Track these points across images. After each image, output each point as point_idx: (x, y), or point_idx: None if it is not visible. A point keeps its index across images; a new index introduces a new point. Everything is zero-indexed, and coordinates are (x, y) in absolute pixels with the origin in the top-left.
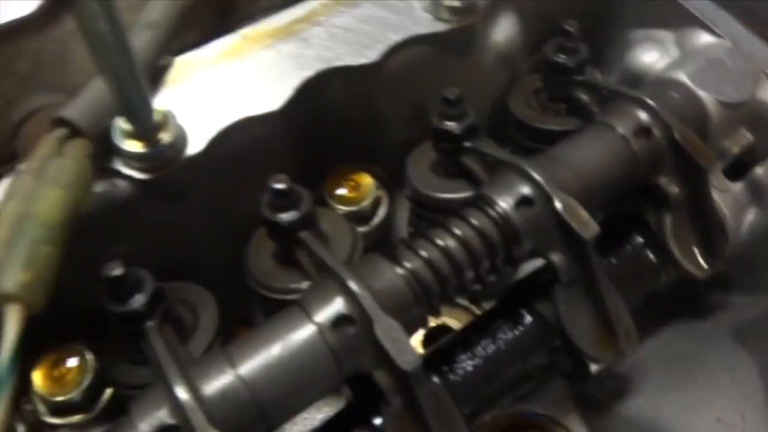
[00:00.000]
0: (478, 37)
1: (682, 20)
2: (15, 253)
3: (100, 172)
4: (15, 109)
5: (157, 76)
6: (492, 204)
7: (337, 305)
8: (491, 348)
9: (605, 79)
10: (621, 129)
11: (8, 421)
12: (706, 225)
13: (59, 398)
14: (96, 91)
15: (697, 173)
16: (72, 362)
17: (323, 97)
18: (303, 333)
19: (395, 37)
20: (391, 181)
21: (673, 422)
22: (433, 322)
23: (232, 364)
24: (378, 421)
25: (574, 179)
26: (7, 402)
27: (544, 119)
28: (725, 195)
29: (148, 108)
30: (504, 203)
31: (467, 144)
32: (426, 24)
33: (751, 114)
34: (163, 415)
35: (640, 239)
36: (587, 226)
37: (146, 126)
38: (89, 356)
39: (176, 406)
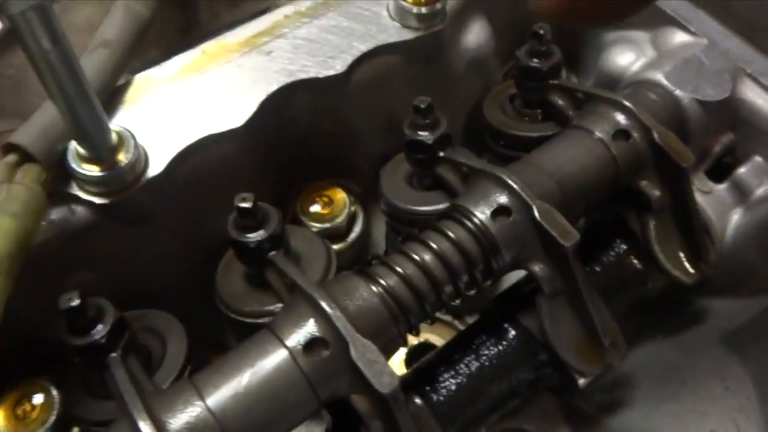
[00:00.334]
0: (448, 44)
1: (656, 20)
2: None
3: (56, 197)
4: None
5: (114, 95)
6: (468, 215)
7: (309, 327)
8: (474, 365)
9: (580, 83)
10: (599, 132)
11: None
12: (691, 228)
13: None
14: (48, 113)
15: (678, 175)
16: (37, 399)
17: (290, 112)
18: (274, 359)
19: (362, 47)
20: (367, 196)
21: None
22: (415, 340)
23: (200, 394)
24: None
25: (552, 186)
26: None
27: (520, 126)
28: (709, 197)
29: (103, 129)
30: (481, 214)
31: (441, 154)
32: (393, 32)
33: (731, 112)
34: None
35: (623, 246)
36: (567, 233)
37: (102, 148)
38: (54, 392)
39: None
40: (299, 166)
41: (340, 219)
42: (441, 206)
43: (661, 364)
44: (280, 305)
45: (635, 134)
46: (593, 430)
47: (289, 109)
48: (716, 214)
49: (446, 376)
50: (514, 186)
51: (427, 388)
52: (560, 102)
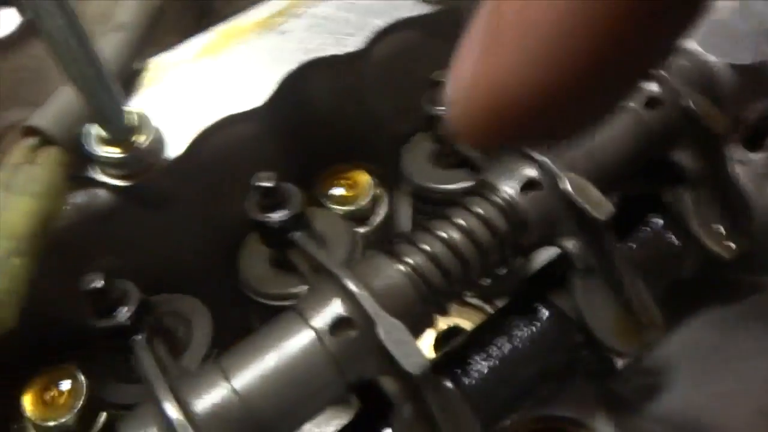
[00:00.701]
0: (467, 18)
1: None
2: None
3: (78, 181)
4: None
5: (131, 78)
6: (495, 190)
7: (335, 308)
8: (507, 347)
9: None
10: (630, 101)
11: None
12: (728, 201)
13: (51, 423)
14: (65, 96)
15: (713, 144)
16: (64, 385)
17: (309, 91)
18: (300, 340)
19: (379, 23)
20: (390, 177)
21: (709, 418)
22: (444, 324)
23: (226, 377)
24: (388, 431)
25: (582, 157)
26: None
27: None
28: (746, 167)
29: (119, 111)
30: (509, 188)
31: None
32: (411, 7)
33: (766, 77)
34: None
35: (659, 221)
36: (601, 206)
37: (119, 129)
38: (81, 377)
39: (166, 425)
40: (320, 148)
41: (365, 201)
42: (467, 184)
43: (701, 345)
44: (304, 287)
45: (667, 101)
46: (631, 416)
47: (308, 88)
48: (754, 185)
49: (477, 358)
50: (542, 158)
51: (458, 371)
52: None
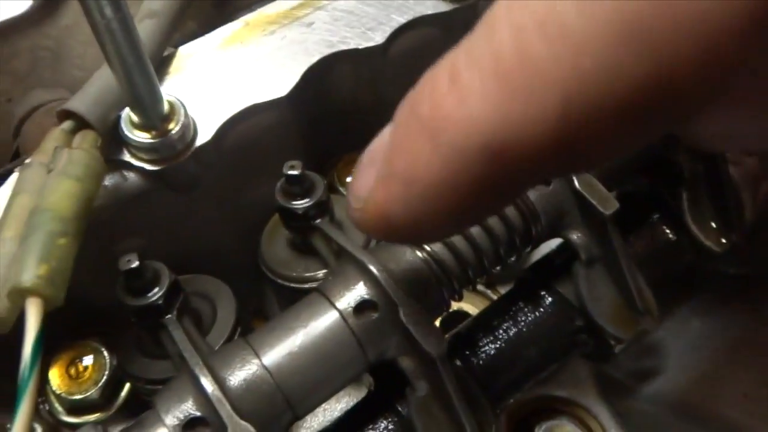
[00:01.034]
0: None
1: None
2: (31, 248)
3: (109, 164)
4: (16, 107)
5: (160, 66)
6: None
7: (359, 290)
8: (513, 330)
9: None
10: None
11: (31, 420)
12: (723, 199)
13: (77, 397)
14: (101, 82)
15: None
16: (88, 360)
17: (330, 82)
18: (326, 320)
19: (400, 19)
20: None
21: (698, 400)
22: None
23: (256, 353)
24: (402, 407)
25: None
26: (32, 398)
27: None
28: (739, 167)
29: (157, 98)
30: None
31: None
32: (430, 4)
33: None
34: (189, 408)
35: (657, 216)
36: (607, 201)
37: (155, 116)
38: (105, 353)
39: (202, 398)
40: (338, 137)
41: None
42: None
43: (690, 333)
44: (323, 271)
45: None
46: (625, 397)
47: (329, 79)
48: (746, 184)
49: (485, 341)
50: None
51: (467, 352)
52: None
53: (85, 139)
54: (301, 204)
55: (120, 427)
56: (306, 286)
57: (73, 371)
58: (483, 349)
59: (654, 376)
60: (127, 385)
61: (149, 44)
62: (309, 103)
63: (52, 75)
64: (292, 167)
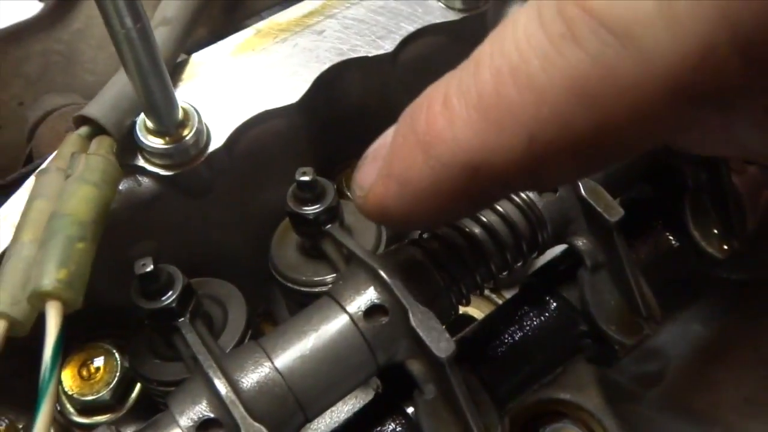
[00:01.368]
0: (491, 24)
1: None
2: (51, 252)
3: (123, 169)
4: (30, 111)
5: (174, 72)
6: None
7: (369, 295)
8: (518, 335)
9: None
10: None
11: (51, 421)
12: (725, 206)
13: (89, 397)
14: (117, 88)
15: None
16: (100, 361)
17: (340, 89)
18: (337, 323)
19: (409, 27)
20: None
21: (700, 404)
22: None
23: (268, 356)
24: (410, 409)
25: None
26: (52, 400)
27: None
28: (742, 176)
29: (173, 105)
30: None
31: None
32: (439, 13)
33: None
34: (203, 409)
35: (660, 222)
36: (612, 209)
37: (170, 122)
38: (117, 354)
39: (215, 399)
40: (346, 142)
41: None
42: None
43: (691, 337)
44: (332, 275)
45: None
46: (627, 401)
47: (339, 87)
48: (749, 193)
49: (491, 345)
50: None
51: (473, 355)
52: None
53: (102, 145)
54: (312, 210)
55: (131, 428)
56: (315, 290)
57: (84, 372)
58: (489, 353)
59: (656, 380)
60: (138, 386)
61: (164, 51)
62: (319, 109)
63: (63, 79)
64: (304, 173)
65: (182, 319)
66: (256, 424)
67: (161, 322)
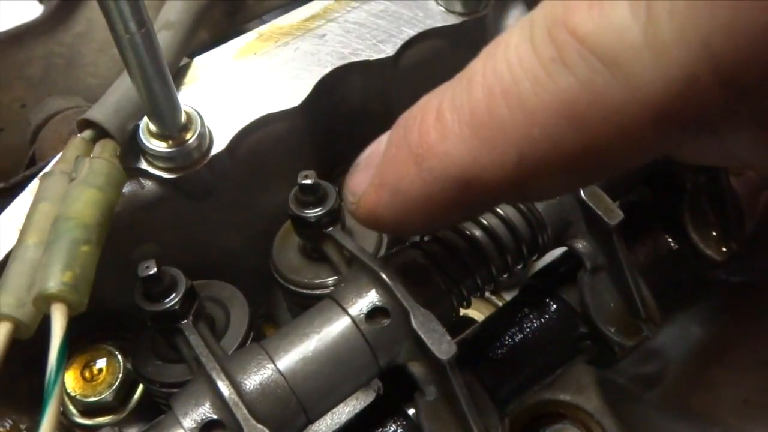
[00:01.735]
0: (490, 28)
1: None
2: (56, 255)
3: (126, 172)
4: (32, 114)
5: (176, 76)
6: None
7: (371, 297)
8: (518, 337)
9: None
10: None
11: (57, 423)
12: (724, 209)
13: (91, 399)
14: (120, 92)
15: None
16: (102, 363)
17: (341, 93)
18: (339, 326)
19: (410, 31)
20: None
21: (699, 406)
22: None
23: (270, 358)
24: (411, 411)
25: None
26: (57, 402)
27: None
28: (740, 178)
29: (176, 108)
30: None
31: None
32: (439, 17)
33: None
34: (206, 411)
35: (659, 225)
36: (612, 212)
37: (173, 125)
38: (119, 356)
39: (219, 401)
40: (348, 146)
41: None
42: None
43: (690, 339)
44: (334, 277)
45: None
46: (627, 402)
47: (340, 90)
48: (747, 195)
49: (491, 346)
50: None
51: (474, 357)
52: None
53: (105, 149)
54: (313, 213)
55: (133, 430)
56: (317, 292)
57: (87, 374)
58: (489, 355)
59: (656, 381)
60: (140, 388)
61: (167, 55)
62: (321, 113)
63: (65, 82)
64: (306, 177)
65: (185, 321)
66: (259, 426)
67: (164, 324)
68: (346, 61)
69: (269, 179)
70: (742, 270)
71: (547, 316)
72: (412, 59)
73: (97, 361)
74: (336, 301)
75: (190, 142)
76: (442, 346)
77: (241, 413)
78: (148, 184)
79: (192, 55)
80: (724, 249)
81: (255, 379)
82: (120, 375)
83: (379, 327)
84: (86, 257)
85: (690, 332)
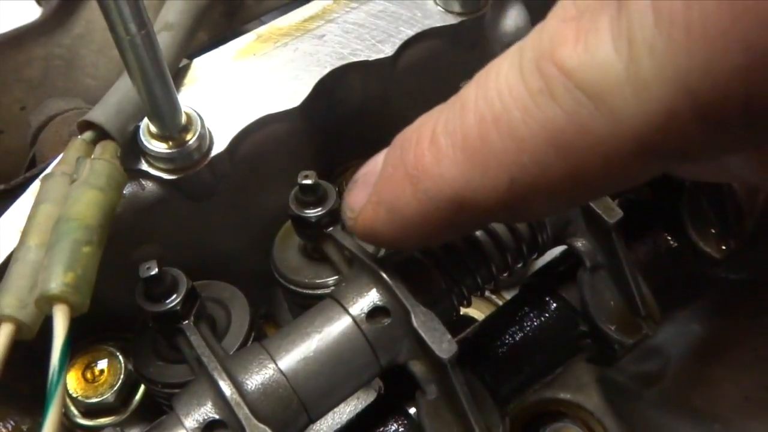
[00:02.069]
0: (489, 28)
1: None
2: (57, 256)
3: (127, 173)
4: (33, 116)
5: (176, 77)
6: None
7: (371, 297)
8: (519, 335)
9: None
10: None
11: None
12: (723, 207)
13: (93, 400)
14: (120, 93)
15: None
16: (103, 364)
17: (340, 93)
18: (340, 325)
19: (409, 32)
20: None
21: (699, 403)
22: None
23: (272, 358)
24: (412, 410)
25: None
26: (60, 403)
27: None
28: None
29: (176, 109)
30: None
31: None
32: (438, 17)
33: None
34: (208, 411)
35: (659, 224)
36: (611, 211)
37: (173, 127)
38: (120, 357)
39: (220, 401)
40: (346, 145)
41: None
42: None
43: (690, 337)
44: (334, 277)
45: None
46: (627, 400)
47: (339, 90)
48: (746, 193)
49: (492, 345)
50: None
51: (474, 356)
52: None
53: (106, 150)
54: (314, 213)
55: (135, 430)
56: (317, 292)
57: (89, 375)
58: (490, 354)
59: (656, 379)
60: (142, 389)
61: (167, 57)
62: (320, 113)
63: (65, 83)
64: (306, 177)
65: (186, 321)
66: (261, 426)
67: (165, 325)
68: (345, 62)
69: (269, 180)
70: (742, 268)
71: (547, 315)
72: (410, 59)
73: (99, 362)
74: (337, 300)
75: (190, 143)
76: (443, 345)
77: (243, 413)
78: (148, 185)
79: (191, 57)
80: (724, 247)
81: (257, 378)
82: (121, 376)
83: (380, 326)
84: (88, 258)
85: (690, 330)
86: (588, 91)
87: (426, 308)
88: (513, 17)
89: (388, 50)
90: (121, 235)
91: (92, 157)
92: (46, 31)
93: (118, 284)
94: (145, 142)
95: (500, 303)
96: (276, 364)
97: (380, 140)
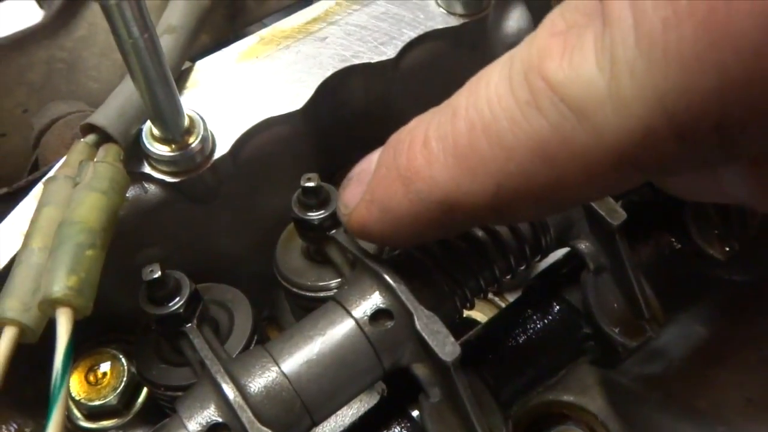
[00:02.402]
0: (491, 30)
1: None
2: (61, 259)
3: (130, 176)
4: (35, 119)
5: (178, 80)
6: None
7: (374, 300)
8: (522, 338)
9: None
10: None
11: (63, 427)
12: (726, 208)
13: (96, 403)
14: (123, 96)
15: None
16: (106, 366)
17: (343, 95)
18: (342, 328)
19: (411, 33)
20: None
21: (702, 405)
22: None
23: (275, 361)
24: (415, 413)
25: None
26: (63, 406)
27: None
28: None
29: (179, 112)
30: None
31: None
32: (440, 19)
33: None
34: (211, 414)
35: (662, 225)
36: (615, 213)
37: (176, 130)
38: (123, 360)
39: (223, 404)
40: (349, 147)
41: None
42: None
43: (693, 339)
44: (337, 280)
45: None
46: (630, 402)
47: (342, 92)
48: None
49: (495, 348)
50: None
51: (478, 358)
52: None
53: (109, 153)
54: (316, 215)
55: None
56: (320, 294)
57: (91, 378)
58: (493, 356)
59: (660, 381)
60: (145, 391)
61: (169, 59)
62: (322, 115)
63: (67, 86)
64: (309, 179)
65: (189, 324)
66: (264, 429)
67: (168, 328)
68: (348, 64)
69: (272, 182)
70: (745, 269)
71: (550, 317)
72: (413, 61)
73: (102, 364)
74: (340, 303)
75: (193, 145)
76: (446, 347)
77: (246, 416)
78: (151, 188)
79: (194, 59)
80: (727, 248)
81: (260, 381)
82: (124, 378)
83: (382, 329)
84: (91, 261)
85: (693, 332)
86: (572, 106)
87: (429, 311)
88: (515, 19)
89: (390, 52)
90: (124, 238)
91: (95, 160)
92: (49, 34)
93: (121, 287)
94: (148, 145)
95: (503, 305)
96: (279, 367)
97: (383, 142)
